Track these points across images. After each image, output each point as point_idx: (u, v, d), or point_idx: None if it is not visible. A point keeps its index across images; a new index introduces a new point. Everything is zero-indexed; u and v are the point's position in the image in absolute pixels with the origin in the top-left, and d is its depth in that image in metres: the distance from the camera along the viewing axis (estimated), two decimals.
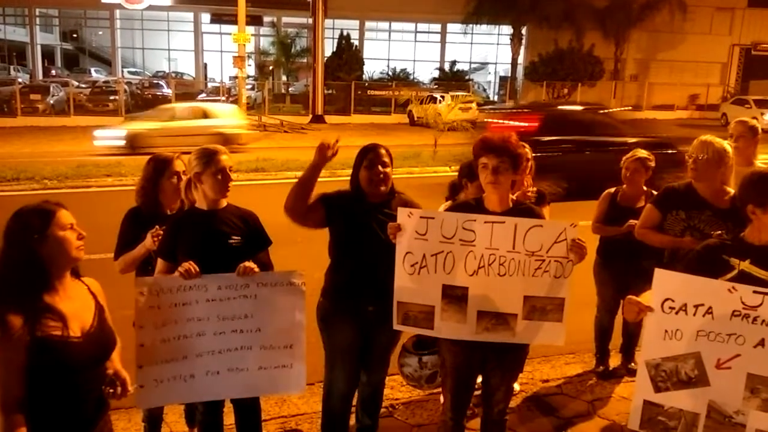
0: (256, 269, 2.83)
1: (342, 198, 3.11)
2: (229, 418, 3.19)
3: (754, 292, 2.25)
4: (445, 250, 2.77)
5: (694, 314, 2.33)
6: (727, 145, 3.45)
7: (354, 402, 3.36)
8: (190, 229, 2.92)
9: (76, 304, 2.12)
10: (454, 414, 3.01)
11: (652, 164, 4.22)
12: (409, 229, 2.80)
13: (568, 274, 2.72)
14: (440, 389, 3.34)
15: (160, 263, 2.93)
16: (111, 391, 2.20)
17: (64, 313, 2.05)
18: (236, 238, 2.91)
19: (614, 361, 4.55)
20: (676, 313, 2.36)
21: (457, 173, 3.89)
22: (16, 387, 1.95)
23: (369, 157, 3.06)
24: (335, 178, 3.20)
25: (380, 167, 3.04)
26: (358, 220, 3.04)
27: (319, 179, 3.00)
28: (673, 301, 2.36)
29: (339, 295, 3.12)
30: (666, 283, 2.39)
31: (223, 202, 2.98)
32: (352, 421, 3.44)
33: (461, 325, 2.79)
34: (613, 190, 4.32)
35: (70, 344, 2.04)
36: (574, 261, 2.71)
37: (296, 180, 3.00)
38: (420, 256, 2.80)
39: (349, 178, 3.15)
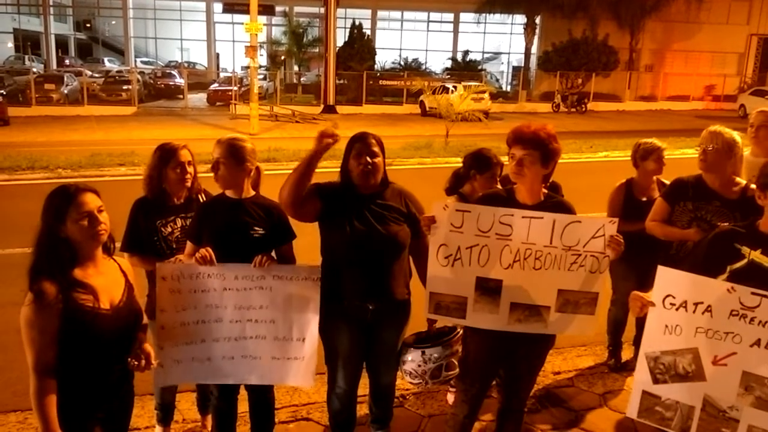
0: (273, 261, 2.86)
1: (335, 190, 2.99)
2: (242, 405, 3.22)
3: (753, 293, 2.31)
4: (481, 243, 2.75)
5: (694, 311, 2.40)
6: (737, 135, 3.41)
7: (366, 393, 3.36)
8: (215, 216, 2.95)
9: (107, 279, 2.27)
10: (470, 410, 3.00)
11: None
12: (444, 221, 2.78)
13: (603, 269, 2.72)
14: (446, 385, 3.31)
15: (188, 245, 3.00)
16: (136, 363, 2.32)
17: (94, 287, 2.20)
18: (258, 229, 2.93)
19: (626, 353, 4.53)
20: (677, 309, 2.43)
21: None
22: (49, 352, 2.11)
23: (357, 147, 2.94)
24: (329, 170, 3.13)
25: (368, 158, 2.92)
26: (351, 212, 2.92)
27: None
28: (674, 297, 2.43)
29: (337, 298, 2.96)
30: (668, 280, 2.46)
31: (250, 192, 3.00)
32: (366, 410, 3.45)
33: (494, 315, 2.79)
34: (624, 181, 4.24)
35: (99, 315, 2.18)
36: (610, 256, 2.69)
37: (299, 168, 2.81)
38: (455, 248, 2.78)
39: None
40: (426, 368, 3.04)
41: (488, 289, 2.78)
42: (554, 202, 2.82)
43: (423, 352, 3.05)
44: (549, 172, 2.78)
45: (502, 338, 2.83)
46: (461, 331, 3.07)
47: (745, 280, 2.35)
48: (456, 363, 3.06)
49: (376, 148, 2.95)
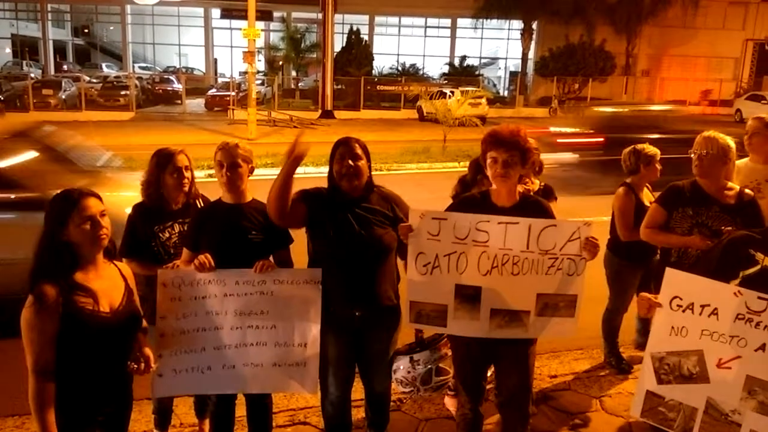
0: (273, 266, 2.87)
1: (320, 195, 3.01)
2: (240, 410, 3.23)
3: (759, 297, 2.32)
4: (458, 250, 2.77)
5: (700, 314, 2.41)
6: (731, 140, 3.41)
7: (363, 397, 3.37)
8: (212, 222, 2.96)
9: (107, 283, 2.29)
10: (472, 405, 3.01)
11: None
12: (422, 230, 2.80)
13: (581, 271, 2.74)
14: (439, 391, 3.29)
15: (184, 253, 2.99)
16: (135, 366, 2.34)
17: (94, 290, 2.21)
18: (256, 233, 2.94)
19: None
20: (683, 311, 2.44)
21: (466, 169, 3.86)
22: (48, 355, 2.13)
23: (340, 150, 2.96)
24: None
25: (350, 161, 2.93)
26: (336, 216, 2.93)
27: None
28: (681, 299, 2.45)
29: (323, 304, 2.94)
30: (676, 282, 2.48)
31: (248, 196, 3.02)
32: (362, 414, 3.46)
33: (474, 322, 2.81)
34: (626, 187, 4.17)
35: (99, 318, 2.20)
36: (587, 258, 2.72)
37: (279, 179, 2.85)
38: (432, 256, 2.80)
39: None
40: (415, 374, 3.04)
41: (467, 296, 2.79)
42: (530, 201, 2.85)
43: (411, 358, 3.05)
44: (526, 171, 2.84)
45: (481, 339, 2.85)
46: (440, 343, 3.10)
47: (758, 286, 2.35)
48: (446, 368, 3.06)
49: (359, 152, 2.96)
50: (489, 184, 3.51)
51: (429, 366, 3.04)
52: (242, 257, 2.87)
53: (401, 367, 3.07)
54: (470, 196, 2.99)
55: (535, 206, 2.82)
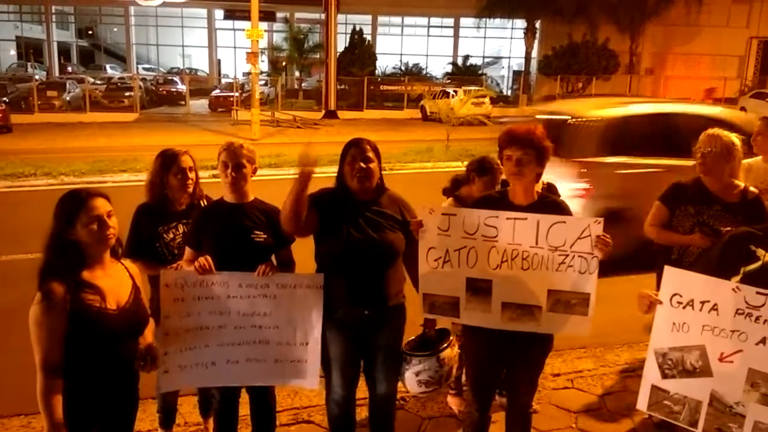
0: (276, 270, 2.89)
1: (330, 197, 3.00)
2: (243, 408, 3.24)
3: (758, 293, 2.34)
4: (468, 245, 2.80)
5: (701, 310, 2.44)
6: (735, 138, 3.41)
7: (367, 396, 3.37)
8: (215, 221, 2.98)
9: (113, 281, 2.31)
10: (480, 405, 3.02)
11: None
12: (431, 225, 2.83)
13: (593, 269, 2.73)
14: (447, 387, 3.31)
15: (187, 251, 3.01)
16: (142, 363, 2.37)
17: (101, 288, 2.24)
18: (259, 233, 2.95)
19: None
20: (684, 307, 2.47)
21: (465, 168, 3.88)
22: (56, 352, 2.15)
23: (351, 152, 2.94)
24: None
25: (362, 163, 2.91)
26: (347, 220, 2.91)
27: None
28: (681, 296, 2.48)
29: (331, 305, 2.95)
30: (675, 279, 2.51)
31: (249, 196, 3.03)
32: (366, 413, 3.46)
33: (486, 314, 2.84)
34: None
35: (106, 316, 2.23)
36: (599, 257, 2.71)
37: (290, 200, 2.76)
38: (443, 251, 2.84)
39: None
40: (442, 372, 3.08)
41: (479, 289, 2.83)
42: (548, 201, 2.84)
43: (438, 358, 3.05)
44: (542, 170, 2.82)
45: (498, 340, 2.85)
46: (452, 338, 3.12)
47: (759, 282, 2.37)
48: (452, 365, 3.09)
49: (370, 154, 2.95)
50: (481, 183, 3.57)
51: (452, 364, 3.08)
52: (244, 256, 2.89)
53: (427, 368, 3.05)
54: (489, 195, 3.00)
55: (553, 206, 2.81)
